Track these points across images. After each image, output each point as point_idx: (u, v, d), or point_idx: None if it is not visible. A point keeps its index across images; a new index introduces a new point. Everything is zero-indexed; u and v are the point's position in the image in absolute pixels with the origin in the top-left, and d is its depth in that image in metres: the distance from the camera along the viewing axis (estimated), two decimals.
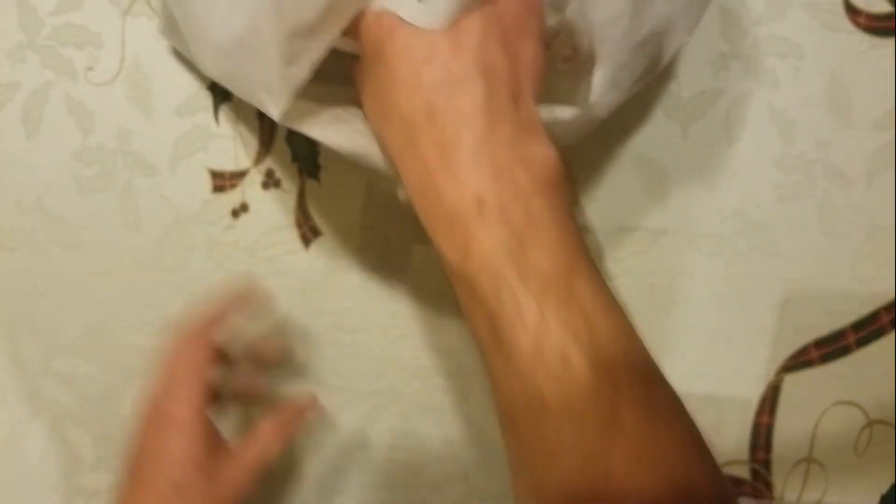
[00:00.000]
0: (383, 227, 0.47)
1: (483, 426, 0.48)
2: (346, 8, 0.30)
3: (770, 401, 0.47)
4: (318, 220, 0.47)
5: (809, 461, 0.47)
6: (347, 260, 0.47)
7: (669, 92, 0.46)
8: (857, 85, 0.46)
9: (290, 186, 0.47)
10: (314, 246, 0.47)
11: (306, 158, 0.46)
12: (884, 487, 0.47)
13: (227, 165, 0.46)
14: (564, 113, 0.34)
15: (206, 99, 0.46)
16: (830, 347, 0.47)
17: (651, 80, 0.38)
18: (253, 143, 0.46)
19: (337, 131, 0.34)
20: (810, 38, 0.46)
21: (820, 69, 0.46)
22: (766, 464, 0.48)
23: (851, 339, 0.47)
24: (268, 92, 0.33)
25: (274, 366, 0.46)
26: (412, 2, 0.30)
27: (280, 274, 0.47)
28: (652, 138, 0.46)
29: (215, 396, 0.40)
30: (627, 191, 0.46)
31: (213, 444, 0.38)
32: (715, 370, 0.47)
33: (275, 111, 0.33)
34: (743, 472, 0.48)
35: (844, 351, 0.47)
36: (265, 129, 0.46)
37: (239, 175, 0.47)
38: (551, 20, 0.33)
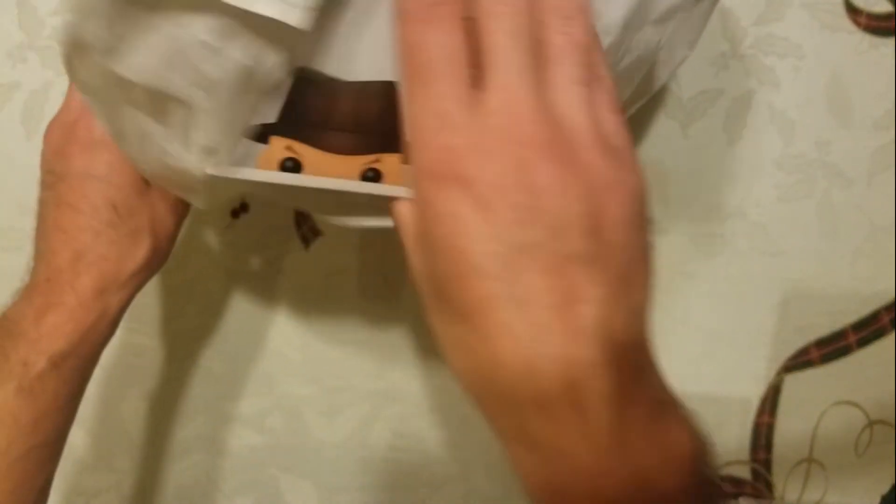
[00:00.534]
0: (383, 227, 0.47)
1: (483, 426, 0.48)
2: None
3: (770, 401, 0.47)
4: (317, 220, 0.47)
5: (810, 461, 0.47)
6: (347, 260, 0.47)
7: (669, 92, 0.46)
8: (858, 85, 0.46)
9: None
10: (314, 246, 0.47)
11: None
12: (884, 488, 0.47)
13: None
14: None
15: None
16: (831, 347, 0.47)
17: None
18: None
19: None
20: (810, 38, 0.46)
21: (820, 69, 0.46)
22: (767, 464, 0.48)
23: (852, 339, 0.47)
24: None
25: None
26: None
27: (280, 274, 0.47)
28: (652, 138, 0.46)
29: None
30: None
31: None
32: (715, 370, 0.47)
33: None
34: (743, 472, 0.48)
35: (845, 351, 0.47)
36: None
37: None
38: None
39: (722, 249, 0.47)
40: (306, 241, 0.47)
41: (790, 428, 0.47)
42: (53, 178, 0.34)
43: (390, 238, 0.48)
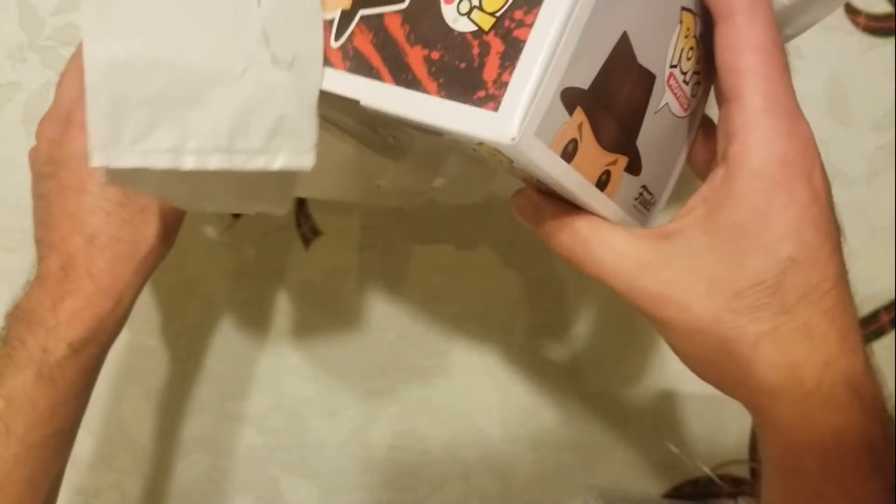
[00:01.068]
0: (383, 227, 0.47)
1: (483, 426, 0.48)
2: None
3: None
4: (318, 220, 0.47)
5: None
6: (347, 260, 0.47)
7: None
8: (857, 85, 0.46)
9: None
10: (314, 246, 0.47)
11: None
12: None
13: None
14: None
15: None
16: None
17: None
18: None
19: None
20: (810, 39, 0.45)
21: (819, 69, 0.46)
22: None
23: None
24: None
25: None
26: None
27: (280, 274, 0.47)
28: None
29: None
30: None
31: None
32: None
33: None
34: (743, 471, 0.48)
35: None
36: None
37: None
38: None
39: None
40: (306, 240, 0.47)
41: None
42: (53, 167, 0.34)
43: (390, 238, 0.48)
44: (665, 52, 0.24)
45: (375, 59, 0.24)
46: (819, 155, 0.24)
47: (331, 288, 0.47)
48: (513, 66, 0.21)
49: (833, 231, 0.24)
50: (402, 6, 0.24)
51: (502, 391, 0.48)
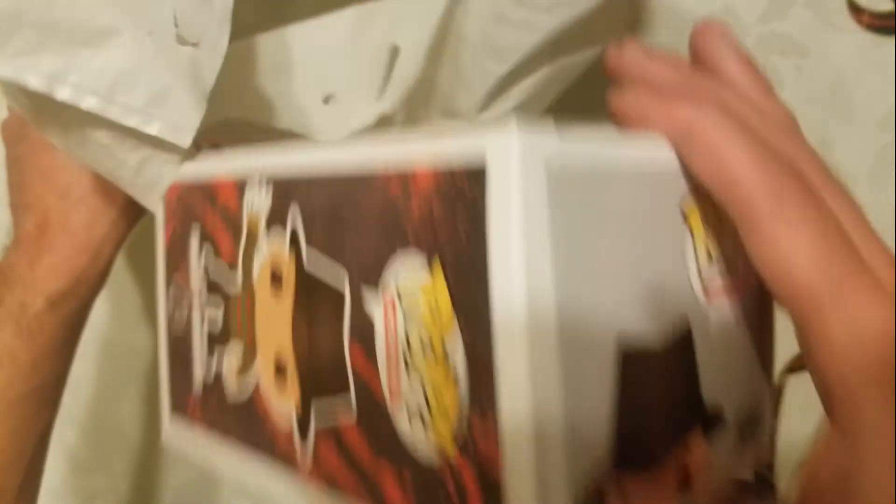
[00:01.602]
0: None
1: None
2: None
3: (773, 402, 0.47)
4: None
5: None
6: None
7: None
8: (861, 84, 0.45)
9: None
10: None
11: None
12: None
13: None
14: None
15: None
16: None
17: None
18: None
19: None
20: (813, 37, 0.45)
21: (823, 68, 0.45)
22: (769, 465, 0.47)
23: None
24: None
25: None
26: None
27: None
28: None
29: None
30: None
31: None
32: None
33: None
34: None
35: None
36: None
37: None
38: None
39: None
40: None
41: (793, 428, 0.47)
42: (25, 129, 0.33)
43: None
44: (688, 285, 0.20)
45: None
46: None
47: None
48: None
49: None
50: None
51: None
